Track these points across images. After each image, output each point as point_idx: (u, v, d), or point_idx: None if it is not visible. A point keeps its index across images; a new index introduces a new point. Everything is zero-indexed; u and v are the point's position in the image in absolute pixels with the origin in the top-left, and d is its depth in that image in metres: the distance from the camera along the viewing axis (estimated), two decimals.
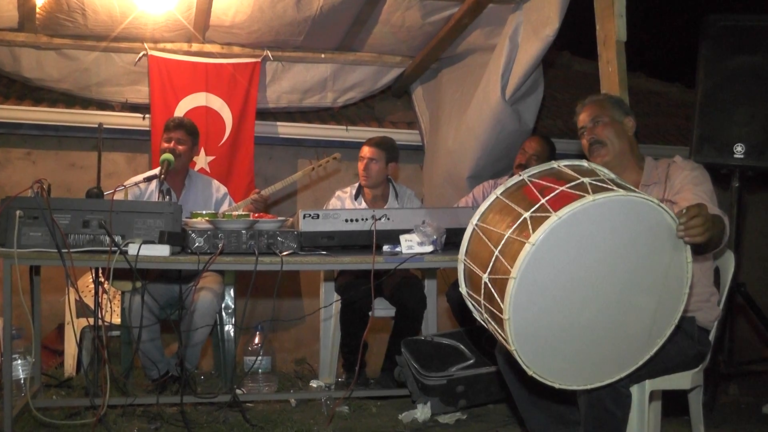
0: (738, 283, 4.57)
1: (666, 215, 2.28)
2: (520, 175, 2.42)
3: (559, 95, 8.15)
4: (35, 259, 3.42)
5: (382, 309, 4.88)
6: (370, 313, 4.45)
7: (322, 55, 6.25)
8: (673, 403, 3.46)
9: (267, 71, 6.27)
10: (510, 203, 2.34)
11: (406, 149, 6.60)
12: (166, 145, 4.62)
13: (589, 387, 2.47)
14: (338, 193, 5.04)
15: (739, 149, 4.41)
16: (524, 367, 2.31)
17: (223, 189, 4.98)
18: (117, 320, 4.83)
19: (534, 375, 2.33)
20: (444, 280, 5.39)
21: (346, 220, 3.62)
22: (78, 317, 4.87)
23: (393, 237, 3.54)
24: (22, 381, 4.00)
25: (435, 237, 3.48)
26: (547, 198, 2.23)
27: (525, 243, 2.15)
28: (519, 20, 4.95)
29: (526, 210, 2.23)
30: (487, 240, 2.34)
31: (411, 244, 3.47)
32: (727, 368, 4.66)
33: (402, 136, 6.68)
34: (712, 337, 3.17)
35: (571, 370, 2.40)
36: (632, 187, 2.30)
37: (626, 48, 4.00)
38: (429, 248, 3.47)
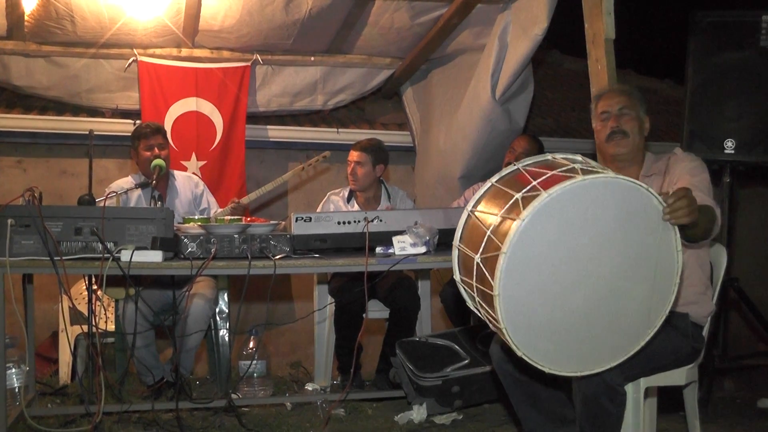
0: (731, 278, 4.59)
1: (653, 199, 2.30)
2: (515, 165, 2.44)
3: (549, 94, 8.17)
4: (28, 268, 3.42)
5: (376, 311, 4.88)
6: (364, 315, 4.46)
7: (312, 58, 6.25)
8: (668, 400, 3.47)
9: (257, 75, 6.27)
10: (504, 188, 2.36)
11: (398, 150, 6.60)
12: (148, 153, 4.59)
13: (579, 374, 2.47)
14: (330, 195, 5.03)
15: (729, 144, 4.43)
16: (513, 347, 2.31)
17: (201, 183, 5.02)
18: (111, 327, 4.81)
19: (523, 356, 2.33)
20: (437, 280, 5.40)
21: (339, 223, 3.62)
22: (72, 325, 4.85)
23: (386, 238, 3.54)
24: (17, 390, 3.99)
25: (427, 238, 3.48)
26: (539, 180, 2.26)
27: (515, 219, 2.18)
28: (508, 20, 4.96)
29: (518, 191, 2.27)
30: (480, 224, 2.36)
31: (404, 246, 3.48)
32: (722, 363, 4.67)
33: (393, 137, 6.69)
34: (705, 332, 3.18)
35: (561, 354, 2.40)
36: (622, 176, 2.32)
37: (615, 45, 4.00)
38: (422, 249, 3.47)
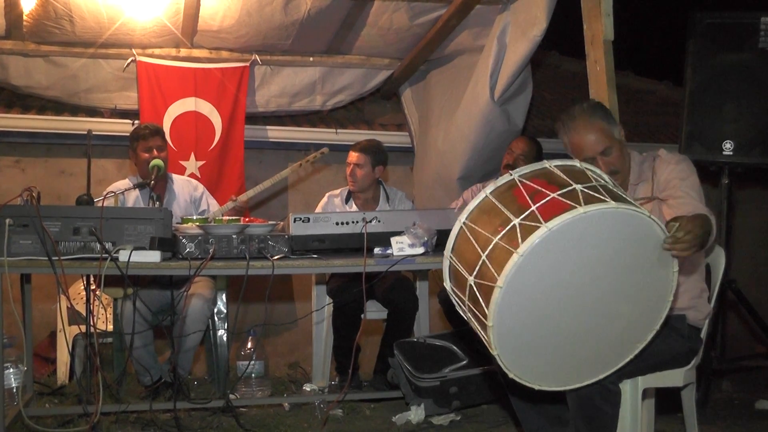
0: (729, 280, 4.59)
1: (656, 227, 2.27)
2: (511, 174, 2.38)
3: (547, 95, 8.17)
4: (26, 268, 3.42)
5: (374, 311, 4.88)
6: (362, 316, 4.46)
7: (311, 59, 6.24)
8: (666, 401, 3.47)
9: (256, 75, 6.26)
10: (499, 205, 2.31)
11: (396, 151, 6.60)
12: (146, 155, 4.59)
13: (567, 388, 2.48)
14: (329, 195, 5.03)
15: (728, 146, 4.43)
16: (504, 369, 2.34)
17: (201, 186, 5.02)
18: (109, 327, 4.81)
19: (515, 377, 2.35)
20: (436, 281, 5.39)
21: (337, 223, 3.62)
22: (70, 325, 4.85)
23: (384, 239, 3.54)
24: (15, 390, 3.99)
25: (426, 239, 3.48)
26: (538, 205, 2.20)
27: (513, 253, 2.14)
28: (507, 21, 4.96)
29: (516, 214, 2.22)
30: (474, 241, 2.32)
31: (402, 246, 3.47)
32: (720, 365, 4.67)
33: (392, 138, 6.69)
34: (703, 334, 3.18)
35: (550, 372, 2.42)
36: (624, 195, 2.30)
37: (614, 47, 4.00)
38: (420, 250, 3.46)
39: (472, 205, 2.40)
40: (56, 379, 5.01)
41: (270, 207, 6.66)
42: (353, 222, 3.63)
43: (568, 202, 2.18)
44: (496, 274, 2.17)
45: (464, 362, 4.26)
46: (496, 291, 2.16)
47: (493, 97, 5.08)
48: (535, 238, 2.12)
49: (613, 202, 2.18)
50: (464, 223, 2.40)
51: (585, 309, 2.31)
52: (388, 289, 4.77)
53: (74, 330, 4.95)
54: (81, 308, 4.63)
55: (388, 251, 3.51)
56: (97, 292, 3.80)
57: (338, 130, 6.66)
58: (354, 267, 3.45)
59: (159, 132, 4.70)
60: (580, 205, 2.15)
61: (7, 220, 3.20)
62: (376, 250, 3.54)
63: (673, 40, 6.40)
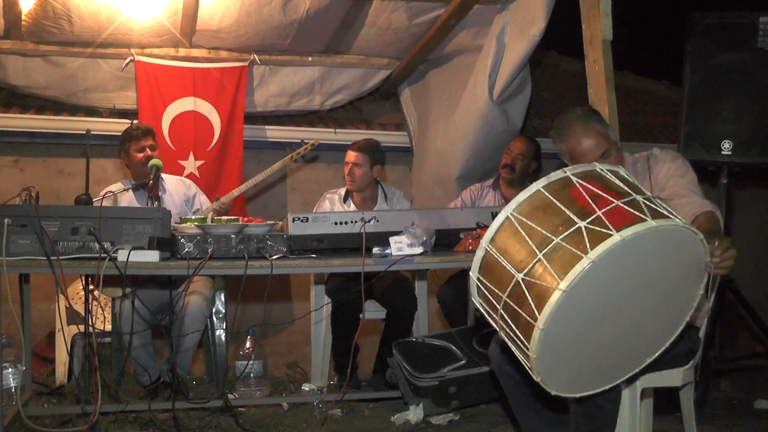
0: (727, 280, 4.59)
1: (702, 248, 2.24)
2: (565, 172, 2.29)
3: (546, 95, 8.17)
4: (24, 267, 3.41)
5: (373, 311, 4.88)
6: (360, 316, 4.46)
7: (309, 58, 6.24)
8: (664, 400, 3.47)
9: (254, 75, 6.26)
10: (556, 202, 2.22)
11: (395, 151, 6.61)
12: (140, 155, 4.59)
13: (578, 395, 2.46)
14: (327, 194, 5.04)
15: (726, 146, 4.43)
16: (533, 373, 2.24)
17: (194, 186, 5.03)
18: (108, 327, 4.81)
19: (540, 382, 2.27)
20: (434, 281, 5.40)
21: (336, 223, 3.62)
22: (68, 324, 4.85)
23: (382, 239, 3.54)
24: (13, 389, 3.99)
25: (425, 238, 3.48)
26: (603, 210, 2.14)
27: (582, 257, 2.05)
28: (505, 20, 4.96)
29: (578, 216, 2.14)
30: (527, 237, 2.21)
31: (401, 246, 3.47)
32: (718, 364, 4.67)
33: (390, 137, 6.69)
34: (702, 333, 3.18)
35: (570, 380, 2.38)
36: (677, 215, 2.24)
37: (612, 46, 4.00)
38: (419, 249, 3.46)
39: (522, 197, 2.28)
40: (55, 379, 5.00)
41: (269, 207, 6.66)
42: (352, 222, 3.63)
43: (636, 212, 2.12)
44: (557, 276, 2.08)
45: (463, 362, 4.26)
46: (556, 294, 2.06)
47: (492, 96, 5.08)
48: (608, 245, 2.04)
49: (678, 219, 2.15)
50: (512, 215, 2.27)
51: (620, 321, 2.27)
52: (386, 288, 4.77)
53: (73, 330, 4.95)
54: (80, 308, 4.63)
55: (387, 251, 3.51)
56: (95, 293, 3.81)
57: (337, 130, 6.66)
58: (352, 267, 3.45)
59: (150, 132, 4.71)
60: (648, 217, 2.10)
61: (6, 220, 3.20)
62: (375, 250, 3.54)
63: (671, 40, 6.39)
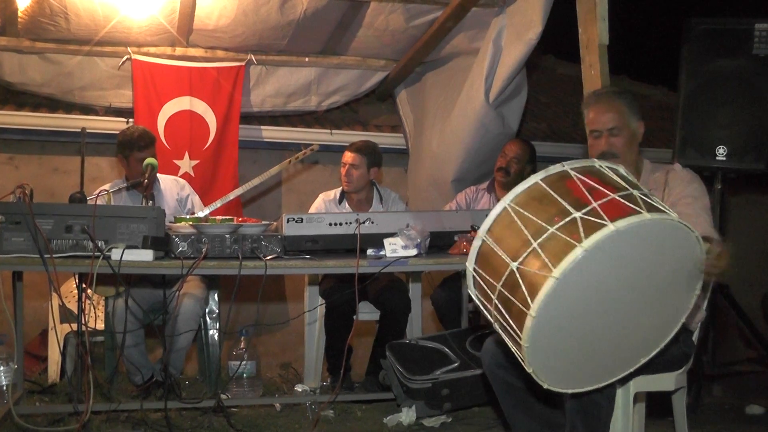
0: (721, 285, 4.59)
1: (698, 247, 2.24)
2: (563, 166, 2.30)
3: (542, 98, 8.19)
4: (17, 265, 3.41)
5: (367, 312, 4.88)
6: (354, 317, 4.45)
7: (306, 59, 6.25)
8: (657, 405, 3.47)
9: (251, 75, 6.27)
10: (553, 193, 2.23)
11: (391, 153, 6.61)
12: (141, 165, 4.52)
13: (570, 391, 2.46)
14: (322, 196, 5.03)
15: (721, 151, 4.44)
16: (525, 363, 2.24)
17: (187, 186, 4.97)
18: (101, 326, 4.80)
19: (532, 373, 2.27)
20: (429, 283, 5.40)
21: (330, 224, 3.62)
22: (61, 323, 4.83)
23: (377, 240, 3.54)
24: (5, 388, 3.97)
25: (419, 240, 3.48)
26: (599, 203, 2.14)
27: (576, 246, 2.06)
28: (502, 24, 4.97)
29: (574, 207, 2.15)
30: (522, 226, 2.21)
31: (395, 248, 3.47)
32: (711, 369, 4.68)
33: (386, 139, 6.71)
34: (695, 338, 3.19)
35: (564, 373, 2.36)
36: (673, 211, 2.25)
37: (609, 51, 4.01)
38: (413, 251, 3.46)
39: (520, 189, 2.28)
40: (47, 378, 4.99)
41: (264, 207, 6.66)
42: (346, 223, 3.63)
43: (631, 205, 2.13)
44: (550, 264, 2.08)
45: (456, 364, 4.26)
46: (549, 281, 2.06)
47: (488, 99, 5.09)
48: (601, 235, 2.05)
49: (674, 214, 2.16)
50: (510, 205, 2.27)
51: (613, 315, 2.27)
52: (380, 290, 4.77)
53: (65, 328, 4.94)
54: (73, 306, 4.62)
55: (381, 252, 3.51)
56: (88, 292, 3.80)
57: (333, 131, 6.67)
58: (347, 268, 3.45)
59: (153, 142, 4.57)
60: (643, 210, 2.11)
61: (0, 217, 3.19)
62: (369, 252, 3.54)
63: (667, 46, 6.41)
